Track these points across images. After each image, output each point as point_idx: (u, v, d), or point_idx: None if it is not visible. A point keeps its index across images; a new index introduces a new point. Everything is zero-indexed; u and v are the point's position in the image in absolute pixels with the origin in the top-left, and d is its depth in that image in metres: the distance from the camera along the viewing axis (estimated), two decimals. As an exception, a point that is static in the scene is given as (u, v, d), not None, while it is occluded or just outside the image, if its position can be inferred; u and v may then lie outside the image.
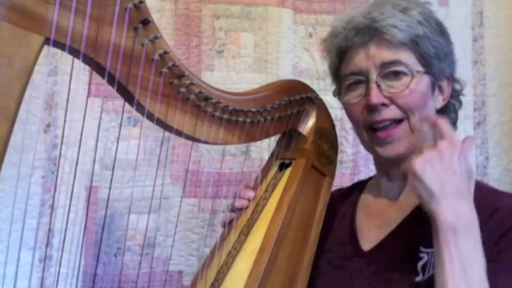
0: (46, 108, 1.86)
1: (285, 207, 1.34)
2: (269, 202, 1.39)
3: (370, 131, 1.33)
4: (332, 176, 1.51)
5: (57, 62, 1.83)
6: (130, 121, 1.89)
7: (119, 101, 1.85)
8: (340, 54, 1.37)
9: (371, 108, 1.29)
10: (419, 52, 1.30)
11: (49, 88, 1.85)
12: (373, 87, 1.28)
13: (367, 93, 1.30)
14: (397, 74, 1.29)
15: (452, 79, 1.40)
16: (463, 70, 2.20)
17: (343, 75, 1.38)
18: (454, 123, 1.43)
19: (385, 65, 1.29)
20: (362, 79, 1.32)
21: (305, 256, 1.36)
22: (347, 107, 1.38)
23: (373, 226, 1.40)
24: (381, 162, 1.43)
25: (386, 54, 1.29)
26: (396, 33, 1.27)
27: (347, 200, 1.52)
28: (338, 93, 1.44)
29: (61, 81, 1.86)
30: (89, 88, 1.76)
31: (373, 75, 1.29)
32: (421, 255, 1.24)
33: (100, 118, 1.87)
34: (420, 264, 1.23)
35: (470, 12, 2.23)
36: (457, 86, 1.42)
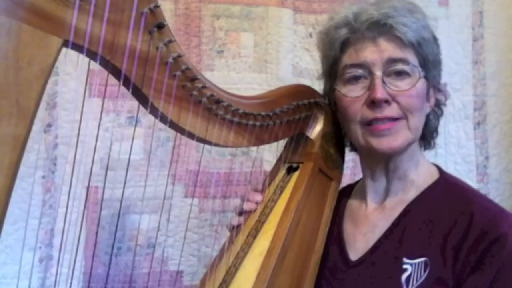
0: (46, 108, 1.85)
1: (293, 210, 1.34)
2: (277, 205, 1.39)
3: (366, 125, 1.32)
4: (339, 180, 1.51)
5: (57, 62, 1.82)
6: (131, 121, 1.89)
7: (119, 101, 1.86)
8: (344, 45, 1.35)
9: (374, 104, 1.28)
10: (422, 55, 1.31)
11: (50, 88, 1.85)
12: (379, 82, 1.28)
13: (370, 88, 1.29)
14: (400, 74, 1.29)
15: (437, 89, 1.41)
16: (463, 70, 2.21)
17: (343, 66, 1.35)
18: (435, 129, 1.45)
19: (391, 61, 1.29)
20: (365, 73, 1.31)
21: (312, 258, 1.36)
22: (344, 100, 1.35)
23: (358, 234, 1.40)
24: (367, 159, 1.43)
25: (394, 51, 1.29)
26: (407, 32, 1.27)
27: (336, 206, 1.49)
28: (329, 89, 1.43)
29: (61, 81, 1.85)
30: (95, 89, 1.76)
31: (378, 70, 1.28)
32: (404, 266, 1.25)
33: (100, 118, 1.87)
34: (404, 276, 1.24)
35: (470, 12, 2.24)
36: (440, 96, 1.42)
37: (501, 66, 2.25)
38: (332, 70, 1.41)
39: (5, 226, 1.75)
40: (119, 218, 1.88)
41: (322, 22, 2.07)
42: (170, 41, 1.07)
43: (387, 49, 1.29)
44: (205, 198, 1.99)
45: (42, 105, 1.79)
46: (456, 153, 2.19)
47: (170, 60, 1.08)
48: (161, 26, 1.05)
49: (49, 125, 1.86)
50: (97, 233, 1.87)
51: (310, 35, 2.12)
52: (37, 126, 1.78)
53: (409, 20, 1.29)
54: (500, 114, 2.24)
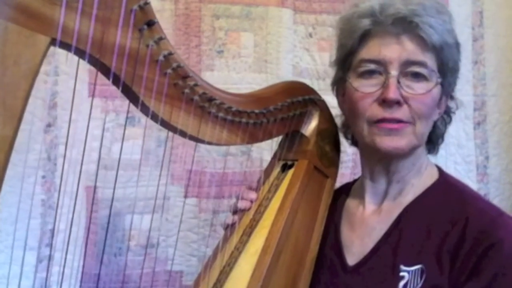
0: (46, 108, 1.85)
1: (288, 208, 1.33)
2: (272, 203, 1.39)
3: (373, 123, 1.29)
4: (335, 178, 1.50)
5: (57, 62, 1.83)
6: (131, 121, 1.89)
7: (119, 101, 1.86)
8: (364, 37, 1.30)
9: (386, 103, 1.25)
10: (442, 60, 1.28)
11: (49, 88, 1.85)
12: (393, 82, 1.24)
13: (384, 86, 1.25)
14: (416, 76, 1.26)
15: (451, 96, 1.38)
16: (463, 70, 2.19)
17: (359, 60, 1.31)
18: (442, 136, 1.43)
19: (410, 63, 1.25)
20: (380, 70, 1.27)
21: (308, 257, 1.35)
22: (355, 94, 1.31)
23: (355, 237, 1.38)
24: (368, 158, 1.40)
25: (415, 53, 1.25)
26: (432, 34, 1.24)
27: (334, 205, 1.48)
28: (340, 79, 1.40)
29: (61, 81, 1.85)
30: (94, 89, 1.77)
31: (394, 69, 1.25)
32: (401, 274, 1.23)
33: (103, 118, 1.88)
34: (401, 284, 1.22)
35: (470, 12, 2.23)
36: (452, 104, 1.39)
37: (501, 66, 2.24)
38: (347, 60, 1.35)
39: (5, 226, 1.77)
40: (118, 218, 1.88)
41: (322, 22, 2.09)
42: (160, 39, 1.07)
43: (408, 49, 1.25)
44: (204, 198, 1.99)
45: (42, 105, 1.80)
46: (456, 153, 2.18)
47: (161, 58, 1.08)
48: (151, 24, 1.04)
49: (49, 125, 1.86)
50: (96, 233, 1.88)
51: (310, 35, 2.12)
52: (37, 126, 1.78)
53: (436, 22, 1.25)
54: (500, 114, 2.23)
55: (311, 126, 1.46)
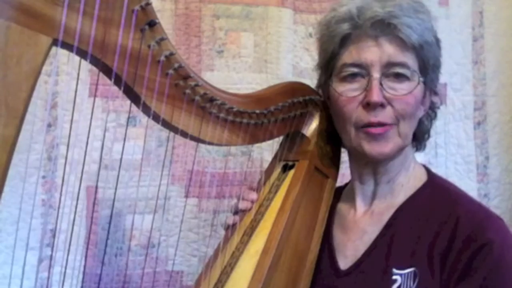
0: (46, 108, 1.85)
1: (288, 208, 1.33)
2: (272, 203, 1.39)
3: (359, 128, 1.29)
4: (335, 178, 1.50)
5: (58, 62, 1.83)
6: (131, 121, 1.89)
7: (119, 101, 1.86)
8: (344, 41, 1.31)
9: (370, 106, 1.26)
10: (422, 58, 1.28)
11: (50, 88, 1.85)
12: (376, 84, 1.25)
13: (367, 89, 1.26)
14: (398, 76, 1.26)
15: (434, 92, 1.38)
16: (463, 70, 2.21)
17: (341, 64, 1.31)
18: (428, 132, 1.43)
19: (391, 64, 1.26)
20: (362, 72, 1.28)
21: (308, 257, 1.35)
22: (340, 99, 1.32)
23: (347, 240, 1.38)
24: (356, 161, 1.41)
25: (395, 54, 1.26)
26: (411, 34, 1.24)
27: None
28: (324, 82, 1.40)
29: (62, 81, 1.86)
30: (95, 89, 1.77)
31: (376, 72, 1.25)
32: (394, 277, 1.23)
33: (104, 118, 1.88)
34: (394, 287, 1.23)
35: (470, 12, 2.23)
36: (435, 99, 1.40)
37: (501, 66, 2.24)
38: (329, 65, 1.37)
39: (5, 226, 1.77)
40: (119, 218, 1.88)
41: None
42: (162, 39, 1.07)
43: (388, 50, 1.26)
44: (205, 198, 1.99)
45: (42, 105, 1.80)
46: (456, 153, 2.18)
47: (162, 58, 1.08)
48: (152, 24, 1.05)
49: (49, 125, 1.86)
50: (97, 233, 1.88)
51: (310, 35, 2.11)
52: (37, 126, 1.78)
53: (414, 22, 1.25)
54: (500, 114, 2.23)
55: (312, 126, 1.46)
